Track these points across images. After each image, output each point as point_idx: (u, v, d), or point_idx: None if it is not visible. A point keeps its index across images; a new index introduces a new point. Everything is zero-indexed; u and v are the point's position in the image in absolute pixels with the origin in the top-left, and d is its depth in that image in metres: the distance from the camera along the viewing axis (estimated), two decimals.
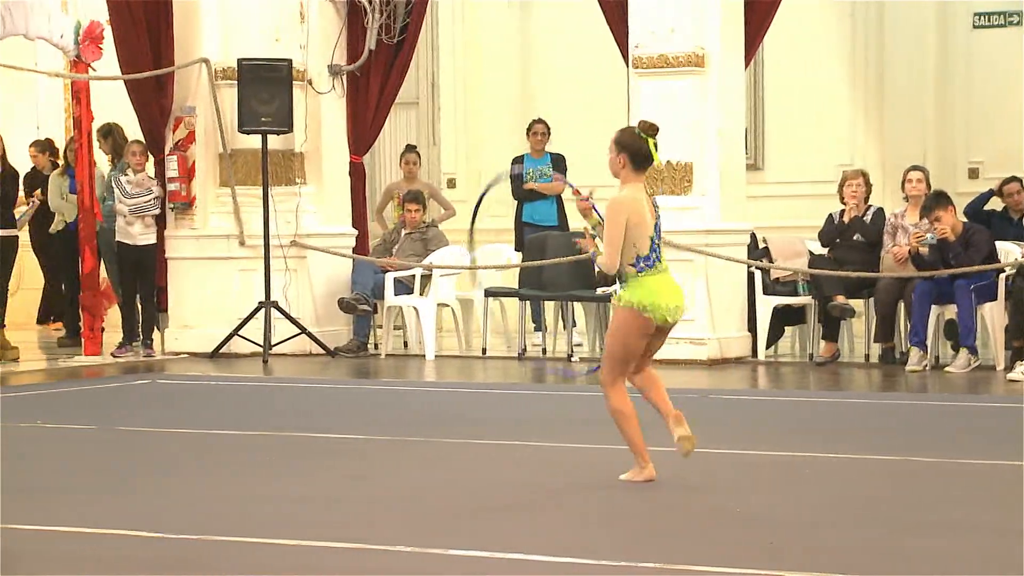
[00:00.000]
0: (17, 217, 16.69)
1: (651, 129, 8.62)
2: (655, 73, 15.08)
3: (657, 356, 14.34)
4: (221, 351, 15.88)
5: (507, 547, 6.82)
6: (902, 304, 14.46)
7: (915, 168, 15.01)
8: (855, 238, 14.86)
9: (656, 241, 8.52)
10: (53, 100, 19.62)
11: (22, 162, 17.87)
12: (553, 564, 6.56)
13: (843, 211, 15.02)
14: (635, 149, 8.56)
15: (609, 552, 6.72)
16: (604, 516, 7.68)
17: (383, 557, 6.69)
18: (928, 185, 14.76)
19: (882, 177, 17.53)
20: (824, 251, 15.07)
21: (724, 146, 15.07)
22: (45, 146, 18.45)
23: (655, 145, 8.61)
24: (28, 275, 18.57)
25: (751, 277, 15.17)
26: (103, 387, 14.09)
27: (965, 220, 14.48)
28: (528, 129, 17.35)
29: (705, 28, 14.97)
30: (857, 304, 14.89)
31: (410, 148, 17.81)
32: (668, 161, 14.89)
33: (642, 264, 8.48)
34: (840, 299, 14.56)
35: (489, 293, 16.16)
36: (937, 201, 14.10)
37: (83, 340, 16.18)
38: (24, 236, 17.45)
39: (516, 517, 7.67)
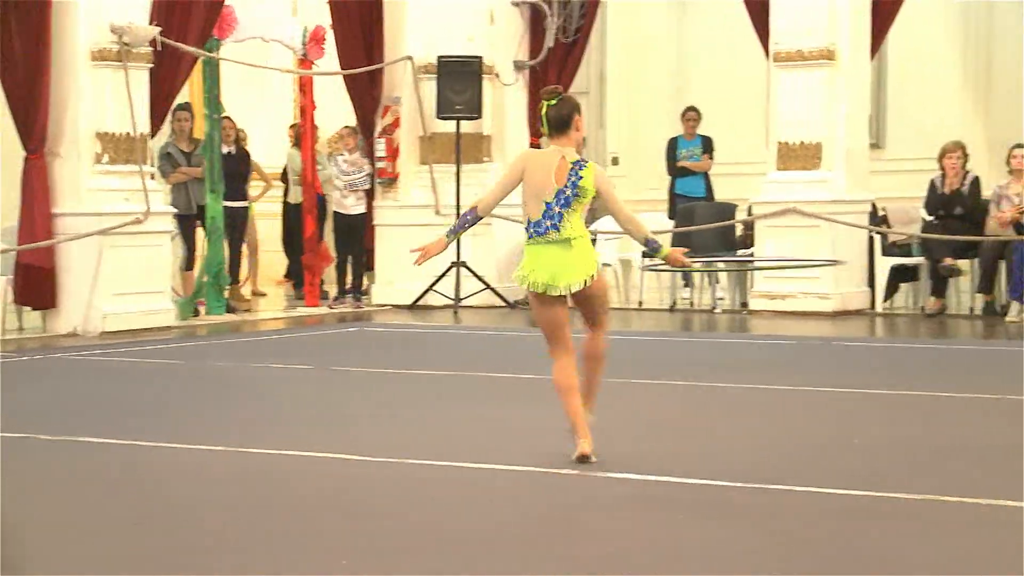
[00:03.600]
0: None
1: (547, 93, 7.12)
2: (792, 66, 14.89)
3: (786, 308, 14.51)
4: (419, 303, 16.01)
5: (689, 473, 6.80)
6: (1003, 263, 14.18)
7: (1019, 145, 14.69)
8: (956, 211, 14.58)
9: (557, 209, 7.00)
10: (282, 93, 19.87)
11: (258, 144, 18.11)
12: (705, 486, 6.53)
13: (943, 177, 14.73)
14: (542, 114, 7.09)
15: (751, 475, 6.66)
16: (744, 444, 7.62)
17: (572, 478, 6.70)
18: None
19: (988, 153, 17.18)
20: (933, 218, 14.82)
21: (850, 128, 14.87)
22: (296, 129, 18.60)
23: (548, 107, 7.05)
24: (269, 241, 18.79)
25: (871, 240, 14.96)
26: (320, 333, 14.27)
27: None
28: (682, 115, 17.24)
29: (837, 26, 14.78)
30: (963, 265, 14.61)
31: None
32: (801, 141, 14.74)
33: (531, 230, 7.02)
34: (948, 261, 14.30)
35: (646, 254, 16.06)
36: None
37: (305, 294, 16.42)
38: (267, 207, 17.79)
39: (682, 445, 7.64)
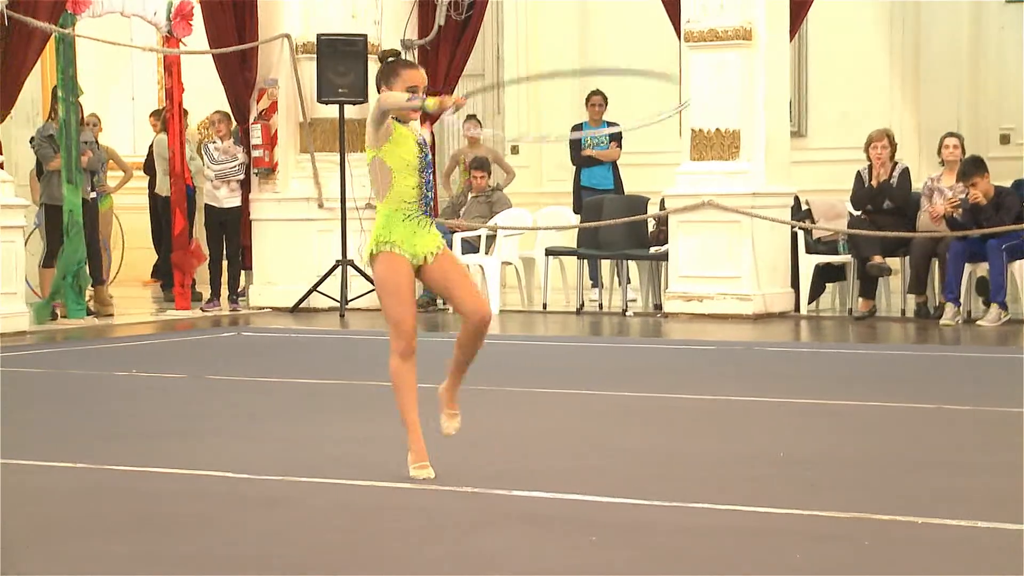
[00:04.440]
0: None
1: (381, 54, 7.28)
2: (705, 46, 14.97)
3: (704, 310, 14.60)
4: (301, 306, 15.91)
5: (562, 488, 6.78)
6: (935, 261, 14.35)
7: (951, 135, 14.86)
8: (885, 205, 14.73)
9: None
10: (146, 73, 19.66)
11: (124, 132, 17.92)
12: (605, 504, 6.51)
13: (870, 168, 14.88)
14: None
15: (657, 492, 6.67)
16: (655, 459, 7.62)
17: (462, 497, 6.66)
18: (963, 150, 14.61)
19: (918, 143, 17.39)
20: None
21: (769, 115, 14.96)
22: (160, 115, 18.42)
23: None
24: (138, 236, 18.61)
25: (794, 237, 15.08)
26: (193, 339, 14.13)
27: (996, 185, 14.32)
28: (587, 100, 17.27)
29: (752, 3, 14.86)
30: (893, 263, 14.77)
31: (471, 117, 17.75)
32: (717, 128, 14.80)
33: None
34: (877, 259, 14.44)
35: (550, 252, 16.12)
36: (975, 167, 13.97)
37: (175, 296, 16.25)
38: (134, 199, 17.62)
39: (570, 460, 7.62)
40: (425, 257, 7.04)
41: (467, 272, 7.36)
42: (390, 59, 7.16)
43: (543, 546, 5.81)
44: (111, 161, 16.74)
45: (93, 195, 15.34)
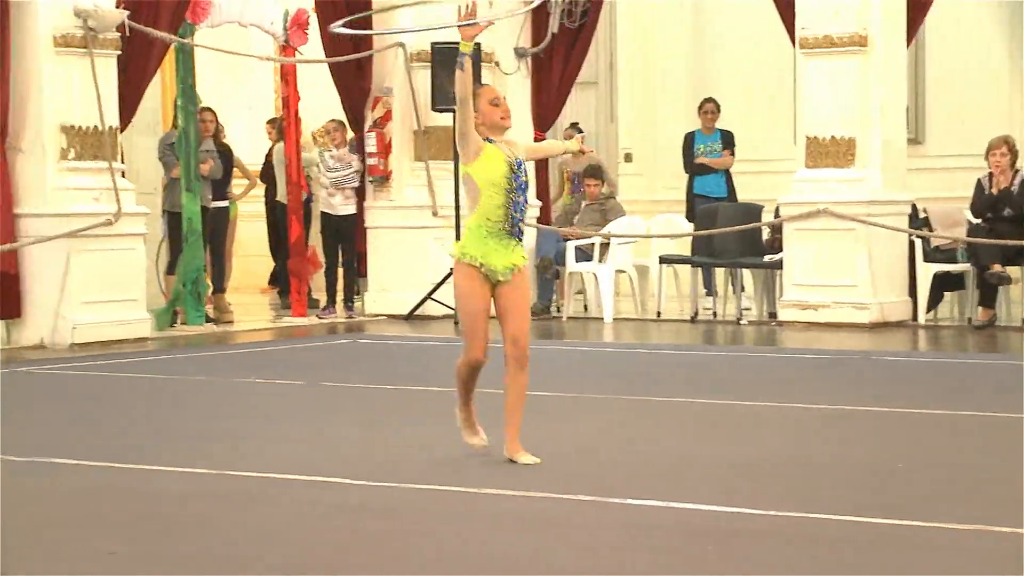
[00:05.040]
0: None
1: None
2: (820, 53, 14.95)
3: (819, 319, 14.58)
4: (415, 313, 16.08)
5: (668, 497, 6.86)
6: None
7: None
8: (1005, 213, 14.65)
9: None
10: (263, 82, 19.94)
11: (242, 141, 18.19)
12: (719, 513, 6.58)
13: (990, 175, 14.80)
14: None
15: (768, 502, 6.73)
16: (767, 467, 7.68)
17: (564, 504, 6.77)
18: None
19: None
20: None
21: (886, 122, 14.93)
22: (277, 123, 18.65)
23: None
24: (255, 243, 18.85)
25: (912, 245, 15.02)
26: (309, 346, 14.33)
27: None
28: (699, 107, 17.34)
29: (868, 9, 14.83)
30: (1013, 271, 14.68)
31: (573, 125, 17.85)
32: (832, 136, 14.81)
33: None
34: (997, 267, 14.36)
35: (664, 260, 16.18)
36: None
37: (291, 303, 16.48)
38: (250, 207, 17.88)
39: (678, 468, 7.70)
40: (502, 274, 7.50)
41: (527, 303, 7.72)
42: None
43: (666, 555, 5.90)
44: (237, 169, 17.01)
45: (218, 204, 15.61)
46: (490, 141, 7.52)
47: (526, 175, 7.58)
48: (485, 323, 7.57)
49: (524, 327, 7.58)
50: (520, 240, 7.57)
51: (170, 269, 15.36)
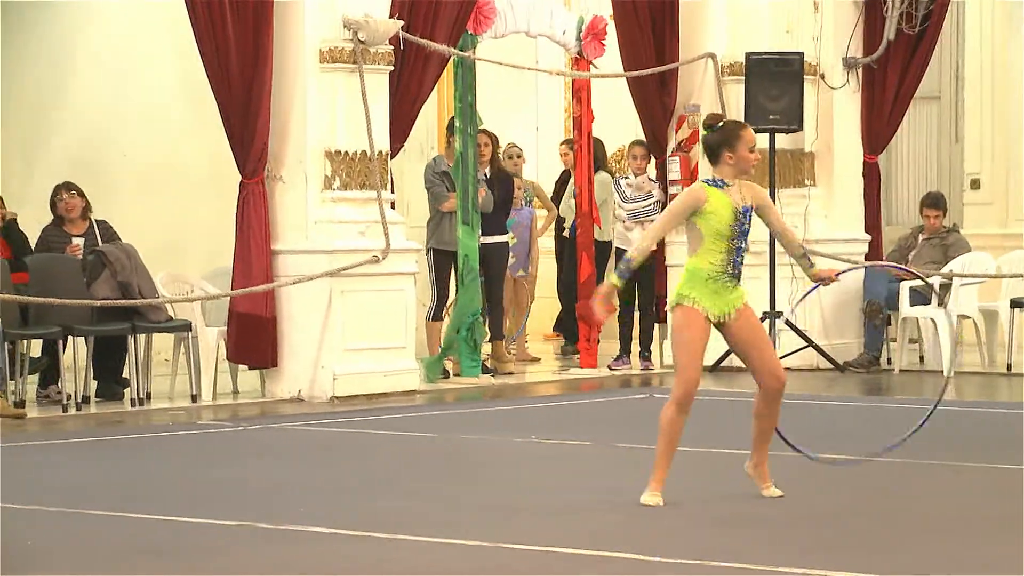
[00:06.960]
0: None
1: (707, 119, 8.80)
2: None
3: None
4: (722, 364, 15.96)
5: None
6: None
7: None
8: None
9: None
10: (552, 100, 20.09)
11: (528, 166, 18.28)
12: None
13: None
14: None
15: None
16: None
17: None
18: None
19: None
20: None
21: None
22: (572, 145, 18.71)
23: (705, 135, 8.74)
24: (540, 284, 18.91)
25: None
26: (599, 401, 14.33)
27: None
28: None
29: None
30: None
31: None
32: None
33: None
34: None
35: (1016, 304, 15.74)
36: None
37: (580, 351, 16.50)
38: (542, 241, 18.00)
39: None
40: (728, 314, 8.51)
41: (766, 335, 8.84)
42: (720, 123, 8.58)
43: None
44: (535, 199, 17.10)
45: (488, 239, 15.61)
46: (720, 184, 8.45)
47: (750, 222, 8.49)
48: (701, 351, 8.58)
49: (772, 354, 8.77)
50: (739, 281, 8.54)
51: (435, 315, 15.48)
